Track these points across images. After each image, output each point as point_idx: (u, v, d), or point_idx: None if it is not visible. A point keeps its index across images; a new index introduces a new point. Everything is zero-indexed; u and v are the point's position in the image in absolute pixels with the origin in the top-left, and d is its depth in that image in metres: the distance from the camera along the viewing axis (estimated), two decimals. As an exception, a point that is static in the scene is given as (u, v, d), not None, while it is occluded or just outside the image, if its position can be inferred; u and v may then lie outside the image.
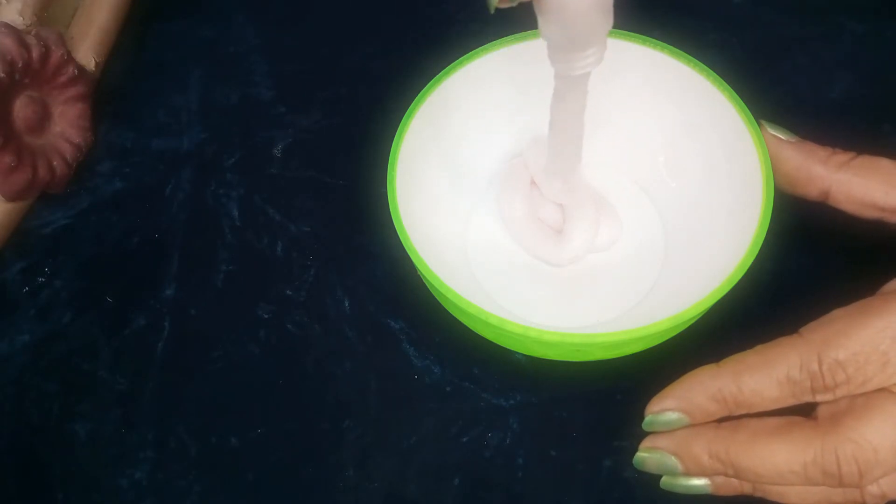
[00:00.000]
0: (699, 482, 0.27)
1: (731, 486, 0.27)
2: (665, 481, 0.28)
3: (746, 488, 0.27)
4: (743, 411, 0.27)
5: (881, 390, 0.25)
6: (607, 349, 0.29)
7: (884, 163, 0.29)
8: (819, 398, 0.26)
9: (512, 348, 0.31)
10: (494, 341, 0.30)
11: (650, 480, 0.28)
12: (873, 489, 0.26)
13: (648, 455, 0.28)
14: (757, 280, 0.29)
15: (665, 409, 0.27)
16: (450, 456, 0.32)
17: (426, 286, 0.31)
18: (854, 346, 0.25)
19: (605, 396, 0.32)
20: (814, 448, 0.25)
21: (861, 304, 0.26)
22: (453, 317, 0.31)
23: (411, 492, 0.31)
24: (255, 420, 0.33)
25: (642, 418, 0.28)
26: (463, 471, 0.31)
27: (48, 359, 0.35)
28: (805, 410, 0.26)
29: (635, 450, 0.28)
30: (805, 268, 0.34)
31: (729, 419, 0.27)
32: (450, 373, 0.33)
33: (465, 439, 0.32)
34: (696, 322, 0.29)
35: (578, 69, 0.27)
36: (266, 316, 0.35)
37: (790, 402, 0.26)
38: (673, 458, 0.27)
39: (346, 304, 0.35)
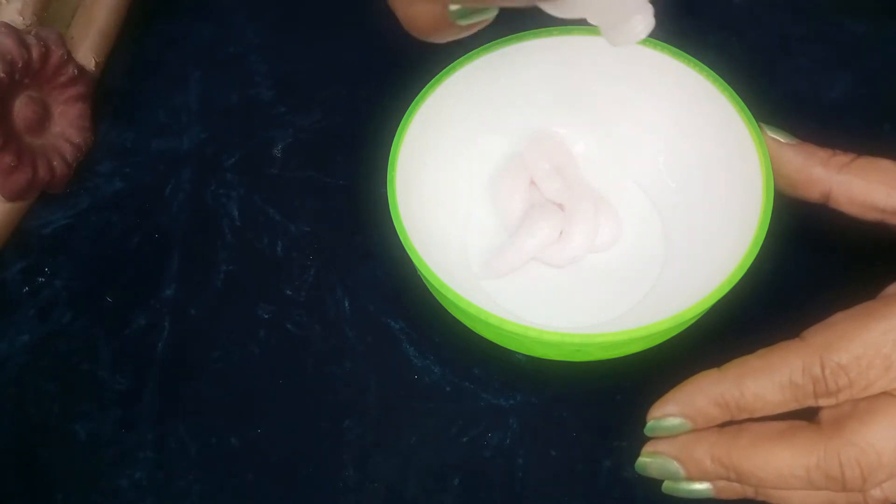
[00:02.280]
0: (701, 487, 0.27)
1: (734, 491, 0.27)
2: (667, 486, 0.28)
3: (749, 493, 0.27)
4: (745, 416, 0.26)
5: (884, 394, 0.25)
6: (607, 349, 0.29)
7: (885, 164, 0.29)
8: (822, 402, 0.26)
9: (512, 348, 0.31)
10: (494, 341, 0.30)
11: (650, 480, 0.28)
12: (876, 493, 0.26)
13: (651, 460, 0.28)
14: (757, 280, 0.29)
15: (667, 414, 0.27)
16: (450, 456, 0.32)
17: (426, 286, 0.31)
18: (856, 350, 0.25)
19: (605, 396, 0.32)
20: (817, 452, 0.25)
21: (863, 308, 0.26)
22: (453, 317, 0.31)
23: (411, 492, 0.31)
24: (255, 420, 0.33)
25: (642, 419, 0.28)
26: (463, 471, 0.31)
27: (48, 359, 0.35)
28: (808, 415, 0.26)
29: (635, 450, 0.28)
30: (805, 268, 0.34)
31: (731, 424, 0.27)
32: (450, 373, 0.33)
33: (465, 439, 0.32)
34: (696, 322, 0.29)
35: (631, 38, 0.26)
36: (266, 316, 0.35)
37: (793, 406, 0.26)
38: (675, 463, 0.27)
39: (346, 304, 0.35)
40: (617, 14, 0.25)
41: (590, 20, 0.25)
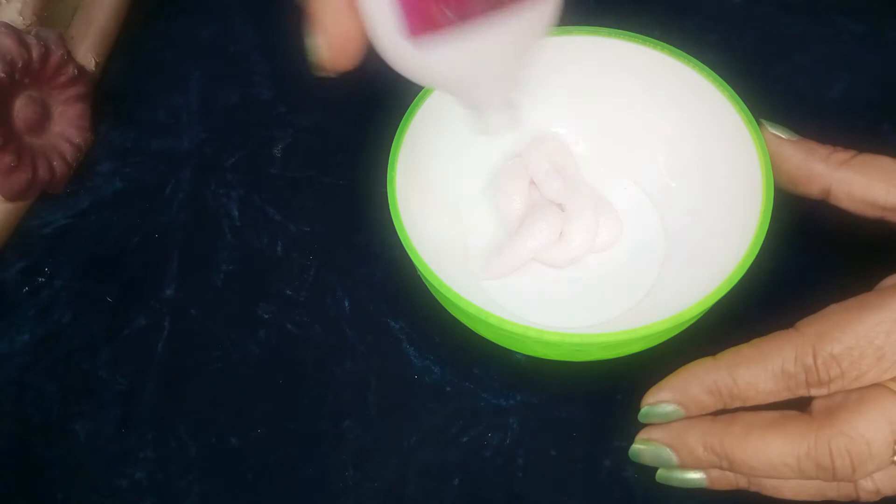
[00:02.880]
0: (695, 475, 0.28)
1: (727, 480, 0.28)
2: (661, 474, 0.28)
3: (742, 482, 0.27)
4: (738, 404, 0.27)
5: (875, 385, 0.25)
6: (607, 349, 0.29)
7: (884, 161, 0.29)
8: (814, 392, 0.26)
9: (512, 348, 0.31)
10: (494, 341, 0.30)
11: (650, 480, 0.28)
12: (867, 484, 0.26)
13: (644, 447, 0.28)
14: (757, 280, 0.29)
15: (660, 400, 0.27)
16: (450, 456, 0.32)
17: (426, 286, 0.31)
18: (849, 340, 0.25)
19: (605, 396, 0.32)
20: (807, 441, 0.25)
21: (857, 300, 0.26)
22: (453, 317, 0.31)
23: (411, 492, 0.31)
24: (255, 420, 0.33)
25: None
26: (463, 471, 0.31)
27: (48, 359, 0.35)
28: (800, 405, 0.26)
29: (635, 450, 0.28)
30: (805, 267, 0.34)
31: (725, 412, 0.27)
32: (450, 373, 0.33)
33: (465, 439, 0.32)
34: (696, 322, 0.29)
35: (490, 131, 0.27)
36: (266, 316, 0.35)
37: (785, 395, 0.26)
38: (668, 450, 0.27)
39: (346, 304, 0.35)
40: (480, 107, 0.26)
41: (461, 105, 0.26)
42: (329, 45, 0.23)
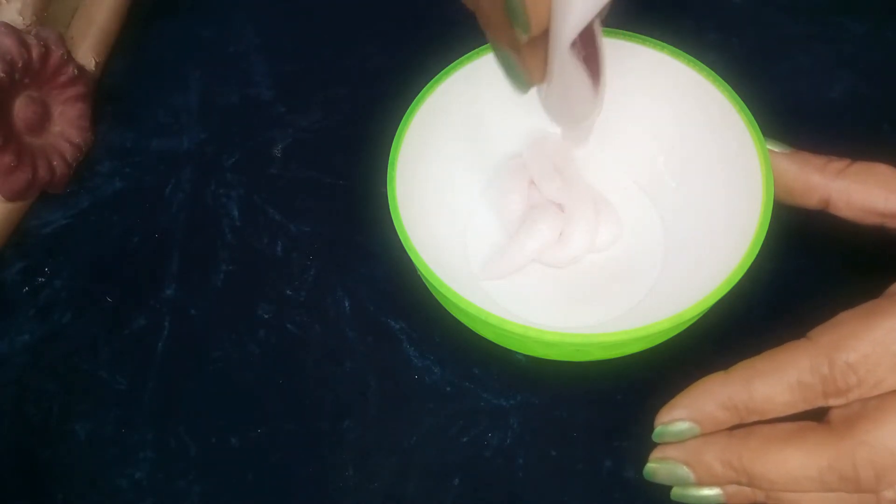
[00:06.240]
0: (711, 492, 0.27)
1: (744, 495, 0.27)
2: (676, 492, 0.27)
3: (760, 497, 0.27)
4: (754, 418, 0.26)
5: (894, 392, 0.25)
6: (607, 349, 0.29)
7: (881, 168, 0.29)
8: (831, 402, 0.25)
9: (512, 348, 0.31)
10: (495, 341, 0.30)
11: (650, 481, 0.28)
12: (889, 494, 0.25)
13: (659, 466, 0.27)
14: (757, 280, 0.29)
15: (675, 418, 0.27)
16: (450, 456, 0.32)
17: (426, 286, 0.31)
18: (864, 348, 0.25)
19: (605, 396, 0.32)
20: (829, 453, 0.25)
21: (869, 306, 0.26)
22: (453, 317, 0.31)
23: (411, 492, 0.31)
24: (255, 420, 0.33)
25: (643, 419, 0.28)
26: (463, 471, 0.31)
27: (48, 359, 0.35)
28: (816, 416, 0.26)
29: (636, 450, 0.28)
30: (805, 268, 0.34)
31: (740, 427, 0.27)
32: (450, 373, 0.33)
33: (465, 439, 0.32)
34: (696, 322, 0.29)
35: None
36: (266, 316, 0.35)
37: (802, 407, 0.26)
38: (684, 468, 0.27)
39: (346, 304, 0.35)
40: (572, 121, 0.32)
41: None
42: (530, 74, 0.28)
